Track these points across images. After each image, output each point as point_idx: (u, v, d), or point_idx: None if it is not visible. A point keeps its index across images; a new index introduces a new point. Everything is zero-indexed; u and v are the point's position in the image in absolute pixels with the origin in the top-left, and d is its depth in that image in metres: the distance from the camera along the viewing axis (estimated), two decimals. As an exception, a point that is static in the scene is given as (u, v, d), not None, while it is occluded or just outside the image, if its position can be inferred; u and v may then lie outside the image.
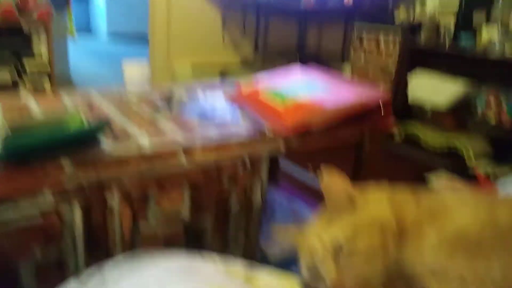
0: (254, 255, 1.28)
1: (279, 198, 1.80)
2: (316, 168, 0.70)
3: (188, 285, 0.51)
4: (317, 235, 0.60)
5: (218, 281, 0.53)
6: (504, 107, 2.47)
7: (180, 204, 1.11)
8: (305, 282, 0.61)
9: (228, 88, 1.57)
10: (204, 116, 1.27)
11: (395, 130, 2.87)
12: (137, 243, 1.08)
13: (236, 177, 1.16)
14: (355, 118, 1.23)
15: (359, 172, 1.39)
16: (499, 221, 0.53)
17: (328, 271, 0.56)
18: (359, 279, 0.55)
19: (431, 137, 2.72)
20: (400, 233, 0.58)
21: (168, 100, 1.41)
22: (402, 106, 3.02)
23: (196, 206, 1.14)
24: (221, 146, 1.10)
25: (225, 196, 1.17)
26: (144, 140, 1.06)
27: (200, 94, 1.50)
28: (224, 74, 3.72)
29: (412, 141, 2.80)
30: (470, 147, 2.55)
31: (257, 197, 1.21)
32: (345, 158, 1.50)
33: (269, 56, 3.74)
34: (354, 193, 0.62)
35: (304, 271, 0.61)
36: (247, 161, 1.15)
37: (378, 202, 0.62)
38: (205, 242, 1.20)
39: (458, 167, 2.44)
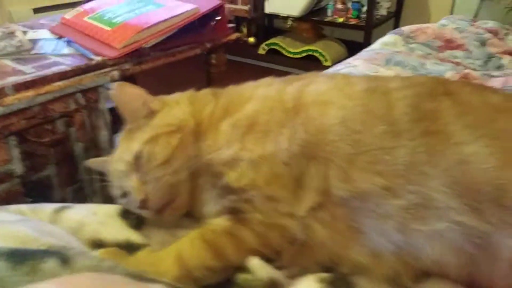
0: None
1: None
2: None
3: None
4: (119, 155, 0.56)
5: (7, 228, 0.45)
6: (350, 8, 2.61)
7: (8, 159, 0.97)
8: (122, 209, 0.57)
9: (53, 22, 1.36)
10: (18, 53, 1.08)
11: (261, 45, 2.90)
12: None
13: (70, 115, 1.04)
14: (190, 30, 1.16)
15: (213, 85, 1.35)
16: (285, 98, 0.54)
17: (132, 186, 0.53)
18: (164, 186, 0.53)
19: (292, 46, 2.81)
20: (199, 130, 0.56)
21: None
22: (263, 21, 3.04)
23: (30, 157, 1.01)
24: (39, 82, 0.96)
25: (63, 138, 1.05)
26: None
27: (18, 32, 1.28)
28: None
29: (275, 52, 2.86)
30: (325, 51, 2.69)
31: (102, 133, 1.11)
32: (196, 78, 1.45)
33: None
34: (150, 100, 0.58)
35: (117, 196, 0.57)
36: (78, 95, 1.03)
37: (177, 104, 0.60)
38: (55, 193, 1.09)
39: (317, 70, 2.57)
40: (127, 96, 0.58)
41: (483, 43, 1.15)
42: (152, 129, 0.55)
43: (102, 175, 0.60)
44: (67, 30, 1.21)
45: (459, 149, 0.47)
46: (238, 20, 3.22)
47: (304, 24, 2.86)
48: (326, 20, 2.67)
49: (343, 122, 0.50)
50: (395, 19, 2.75)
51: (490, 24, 1.31)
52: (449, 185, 0.46)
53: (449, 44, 1.15)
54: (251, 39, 3.06)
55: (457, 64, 1.05)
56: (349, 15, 2.61)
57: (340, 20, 2.62)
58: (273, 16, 2.97)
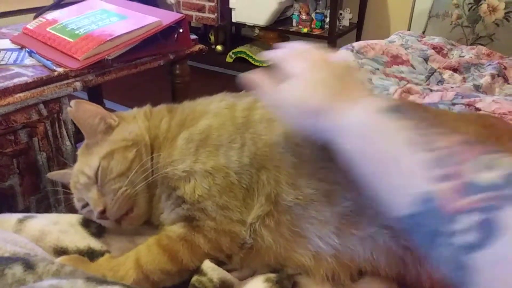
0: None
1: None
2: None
3: None
4: (79, 169, 0.59)
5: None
6: (314, 19, 2.71)
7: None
8: (83, 218, 0.60)
9: (15, 31, 1.36)
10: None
11: (229, 53, 2.95)
12: None
13: (33, 126, 1.05)
14: (153, 42, 1.19)
15: (177, 95, 1.39)
16: (236, 114, 0.59)
17: (91, 198, 0.56)
18: (121, 197, 0.56)
19: (258, 55, 2.87)
20: (155, 145, 0.60)
21: None
22: (230, 29, 3.09)
23: (-9, 167, 1.01)
24: (0, 94, 0.96)
25: (26, 148, 1.06)
26: None
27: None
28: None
29: (242, 60, 2.92)
30: (291, 60, 2.77)
31: (65, 143, 1.13)
32: (163, 87, 1.49)
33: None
34: (107, 116, 0.62)
35: (78, 207, 0.60)
36: (41, 106, 1.04)
37: (133, 119, 0.63)
38: (18, 201, 1.10)
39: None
40: (84, 113, 0.61)
41: (426, 59, 1.25)
42: (109, 144, 0.59)
43: (65, 187, 0.63)
44: (29, 40, 1.22)
45: None
46: (206, 28, 3.26)
47: (271, 33, 2.93)
48: (291, 30, 2.76)
49: (287, 138, 0.56)
50: (357, 30, 2.87)
51: (437, 40, 1.41)
52: None
53: (395, 60, 1.24)
54: (219, 47, 3.10)
55: (402, 79, 1.13)
56: (313, 26, 2.71)
57: (305, 30, 2.71)
58: (240, 25, 3.02)
